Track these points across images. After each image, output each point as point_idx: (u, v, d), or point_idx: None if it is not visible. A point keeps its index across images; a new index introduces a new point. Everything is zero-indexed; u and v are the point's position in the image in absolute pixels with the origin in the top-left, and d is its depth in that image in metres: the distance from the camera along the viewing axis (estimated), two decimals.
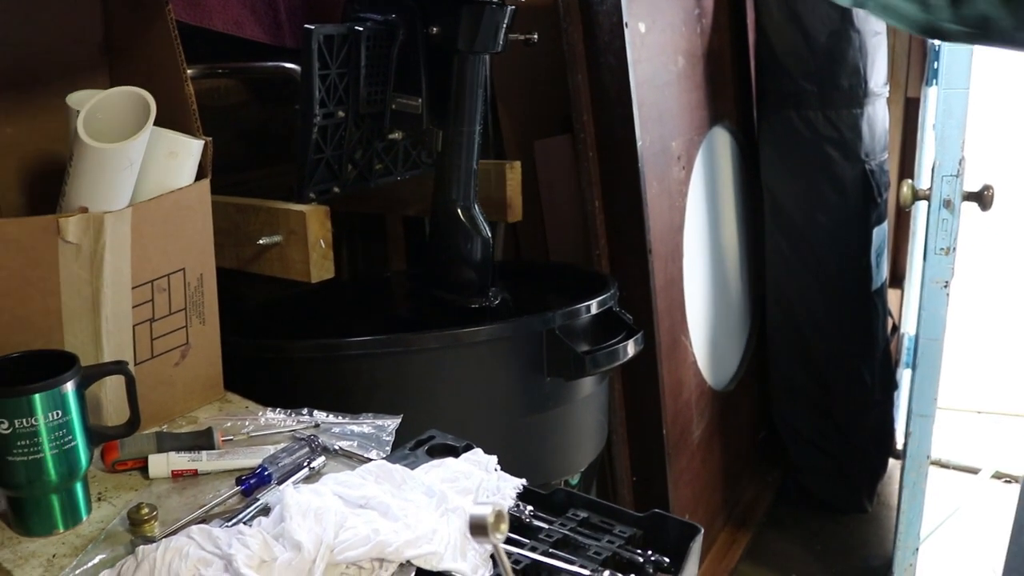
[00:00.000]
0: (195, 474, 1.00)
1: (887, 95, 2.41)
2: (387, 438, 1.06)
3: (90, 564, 0.85)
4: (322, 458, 1.00)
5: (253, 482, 0.95)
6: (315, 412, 1.11)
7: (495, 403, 1.28)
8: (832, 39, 2.18)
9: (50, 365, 0.88)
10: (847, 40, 2.18)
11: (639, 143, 1.69)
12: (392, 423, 1.08)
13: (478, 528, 0.59)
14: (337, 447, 1.03)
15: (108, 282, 1.00)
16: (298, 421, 1.11)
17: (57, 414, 0.87)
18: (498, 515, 0.59)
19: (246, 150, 1.65)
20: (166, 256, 1.07)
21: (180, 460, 1.01)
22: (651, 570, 0.81)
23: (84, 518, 0.93)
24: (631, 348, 1.34)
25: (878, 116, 2.34)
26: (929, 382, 1.90)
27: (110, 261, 0.99)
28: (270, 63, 1.37)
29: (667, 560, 0.82)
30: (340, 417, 1.11)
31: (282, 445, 1.03)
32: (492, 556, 0.81)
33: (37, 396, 0.86)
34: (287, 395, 1.18)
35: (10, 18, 1.14)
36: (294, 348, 1.24)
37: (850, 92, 2.22)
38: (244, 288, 1.53)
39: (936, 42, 2.47)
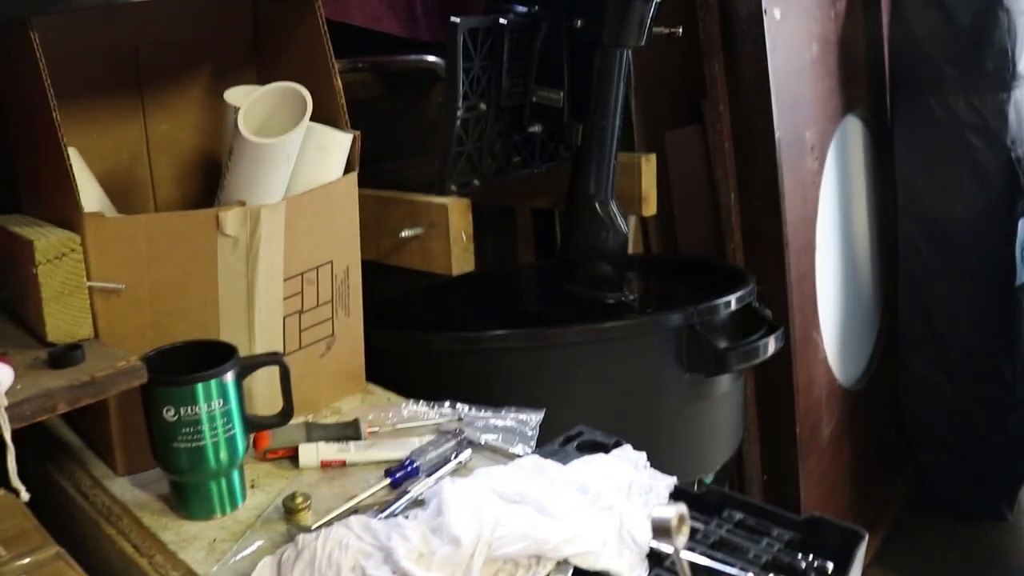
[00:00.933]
0: (343, 465, 1.02)
1: None
2: (531, 433, 1.05)
3: (250, 550, 0.87)
4: (468, 451, 1.00)
5: (401, 474, 0.96)
6: (457, 405, 1.12)
7: (633, 399, 1.26)
8: (978, 20, 2.08)
9: (209, 355, 0.91)
10: (994, 20, 2.06)
11: (776, 134, 1.64)
12: (535, 418, 1.07)
13: (662, 531, 0.58)
14: (483, 441, 1.03)
15: (262, 274, 1.02)
16: (440, 414, 1.11)
17: (219, 403, 0.89)
18: (680, 518, 0.58)
19: (380, 143, 1.67)
20: (316, 249, 1.09)
21: (329, 450, 1.02)
22: None
23: (241, 504, 0.95)
24: (772, 345, 1.31)
25: None
26: None
27: (264, 254, 1.01)
28: (412, 56, 1.38)
29: (831, 565, 0.79)
30: (482, 411, 1.11)
31: (428, 438, 1.04)
32: (647, 556, 0.79)
33: (200, 385, 0.88)
34: (425, 387, 1.19)
35: (164, 17, 1.18)
36: (434, 340, 1.25)
37: (996, 75, 2.11)
38: (376, 281, 1.55)
39: None
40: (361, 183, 1.26)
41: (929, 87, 2.17)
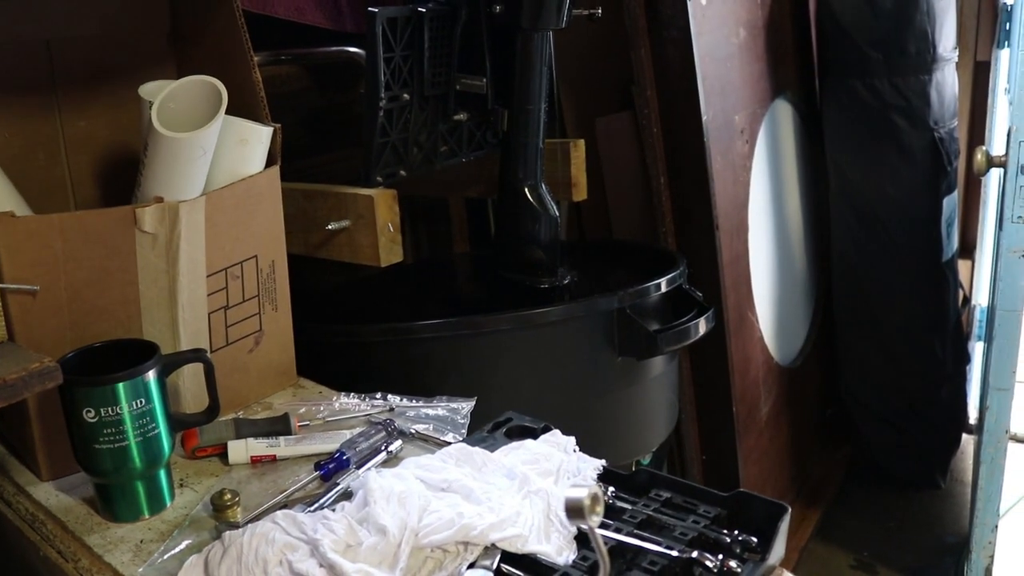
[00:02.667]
0: (274, 460, 1.01)
1: (956, 60, 2.33)
2: (462, 421, 1.05)
3: (177, 549, 0.86)
4: (399, 442, 1.00)
5: (332, 467, 0.95)
6: (389, 396, 1.11)
7: (566, 384, 1.27)
8: (898, 4, 2.11)
9: (131, 354, 0.89)
10: (914, 4, 2.10)
11: (704, 117, 1.66)
12: (467, 406, 1.07)
13: (575, 511, 0.58)
14: (413, 430, 1.03)
15: (184, 271, 1.00)
16: (372, 405, 1.11)
17: (141, 402, 0.88)
18: (594, 498, 0.58)
19: (308, 136, 1.65)
20: (239, 243, 1.08)
21: (259, 446, 1.01)
22: (739, 550, 0.80)
23: (168, 504, 0.94)
24: (703, 326, 1.32)
25: (947, 82, 2.26)
26: (1007, 355, 1.84)
27: (185, 250, 1.00)
28: (333, 48, 1.37)
29: (755, 540, 0.80)
30: (414, 400, 1.10)
31: (359, 429, 1.03)
32: (575, 538, 0.80)
33: (121, 385, 0.87)
34: (359, 379, 1.19)
35: (79, 13, 1.15)
36: (365, 332, 1.24)
37: (917, 58, 2.15)
38: (311, 274, 1.53)
39: (1008, 1, 2.39)
40: (290, 177, 1.25)
41: (855, 70, 2.21)
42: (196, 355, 0.96)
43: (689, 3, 1.63)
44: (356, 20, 1.51)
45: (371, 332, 1.23)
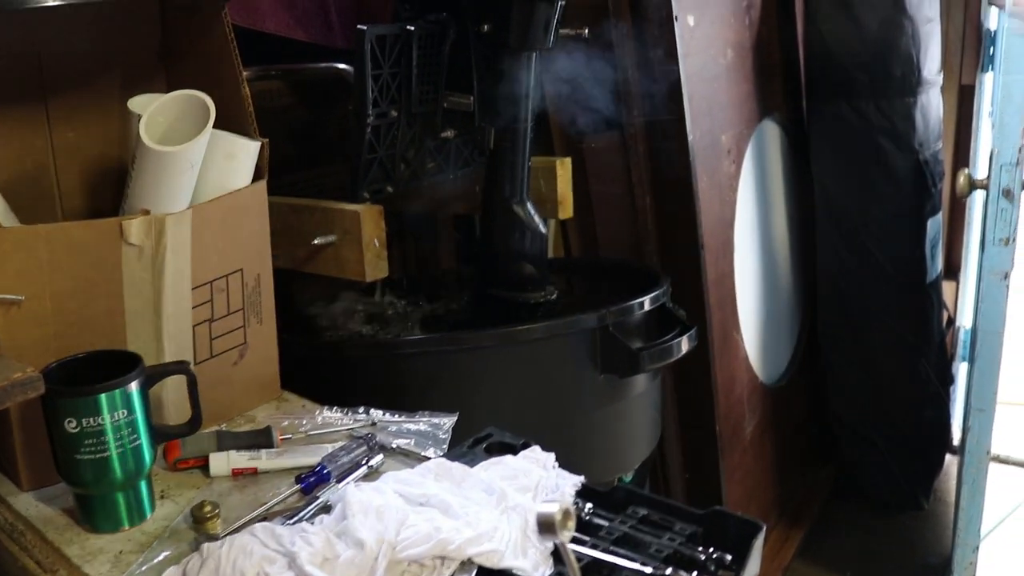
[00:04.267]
0: (255, 472, 1.01)
1: (941, 83, 2.36)
2: (444, 436, 1.06)
3: (156, 561, 0.86)
4: (380, 456, 1.01)
5: (312, 480, 0.96)
6: (371, 410, 1.12)
7: (549, 400, 1.27)
8: (884, 27, 2.14)
9: (115, 365, 0.90)
10: (899, 28, 2.13)
11: (690, 137, 1.67)
12: (448, 421, 1.08)
13: (546, 526, 0.59)
14: (395, 445, 1.04)
15: (169, 283, 1.01)
16: (355, 420, 1.11)
17: (123, 413, 0.88)
18: (565, 513, 0.59)
19: (297, 151, 1.66)
20: (224, 257, 1.08)
21: (240, 459, 1.02)
22: (713, 568, 0.81)
23: (149, 515, 0.94)
24: (685, 344, 1.33)
25: (932, 105, 2.29)
26: (989, 376, 1.86)
27: (171, 262, 1.00)
28: (322, 64, 1.38)
29: (729, 557, 0.81)
30: (396, 415, 1.11)
31: (340, 443, 1.04)
32: (552, 554, 0.81)
33: (103, 396, 0.87)
34: (343, 394, 1.19)
35: (71, 29, 1.16)
36: (348, 347, 1.25)
37: (903, 81, 2.18)
38: (298, 288, 1.54)
39: (992, 27, 2.42)
40: (279, 191, 1.26)
41: (842, 92, 2.23)
42: (179, 367, 0.97)
43: (676, 24, 1.65)
44: (347, 36, 1.53)
45: (354, 347, 1.24)
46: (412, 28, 1.24)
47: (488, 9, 1.27)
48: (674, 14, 1.64)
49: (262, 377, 1.18)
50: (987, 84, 2.48)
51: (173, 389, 1.06)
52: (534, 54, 1.32)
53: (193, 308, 1.06)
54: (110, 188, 1.22)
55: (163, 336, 1.03)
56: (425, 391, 1.23)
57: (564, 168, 1.53)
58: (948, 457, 2.61)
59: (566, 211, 1.55)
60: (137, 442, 0.90)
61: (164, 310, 1.02)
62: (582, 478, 0.92)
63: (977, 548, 1.98)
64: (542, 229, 1.38)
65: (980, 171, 2.49)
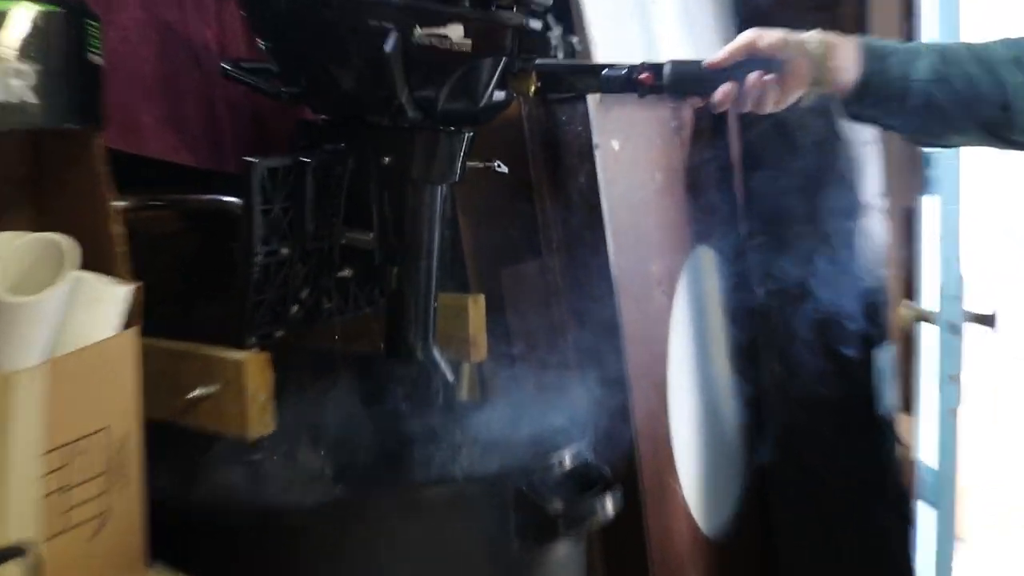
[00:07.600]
0: None
1: (883, 207, 2.46)
2: None
3: None
4: None
5: None
6: None
7: (455, 573, 1.24)
8: (820, 149, 2.24)
9: None
10: (835, 151, 2.23)
11: (613, 270, 1.71)
12: None
13: None
14: None
15: (15, 449, 0.98)
16: None
17: None
18: None
19: (186, 282, 1.65)
20: (87, 415, 1.06)
21: None
22: None
23: None
24: (609, 504, 1.32)
25: (873, 230, 2.38)
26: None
27: (19, 425, 0.97)
28: (206, 196, 1.39)
29: None
30: None
31: None
32: None
33: None
34: (223, 565, 1.15)
35: None
36: (226, 515, 1.21)
37: (841, 205, 2.27)
38: (176, 437, 1.50)
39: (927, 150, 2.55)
40: (155, 331, 1.24)
41: (780, 215, 2.31)
42: (14, 552, 0.93)
43: (597, 150, 1.70)
44: (240, 160, 1.53)
45: (232, 515, 1.20)
46: (307, 160, 1.26)
47: (389, 140, 1.30)
48: (595, 141, 1.69)
49: (125, 549, 1.13)
50: (928, 208, 2.59)
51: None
52: (439, 187, 1.34)
53: (45, 475, 1.02)
54: None
55: (7, 509, 0.99)
56: (316, 562, 1.19)
57: (477, 306, 1.54)
58: None
59: (479, 353, 1.55)
60: None
61: (9, 480, 0.98)
62: None
63: None
64: (451, 377, 1.38)
65: (924, 299, 2.58)
